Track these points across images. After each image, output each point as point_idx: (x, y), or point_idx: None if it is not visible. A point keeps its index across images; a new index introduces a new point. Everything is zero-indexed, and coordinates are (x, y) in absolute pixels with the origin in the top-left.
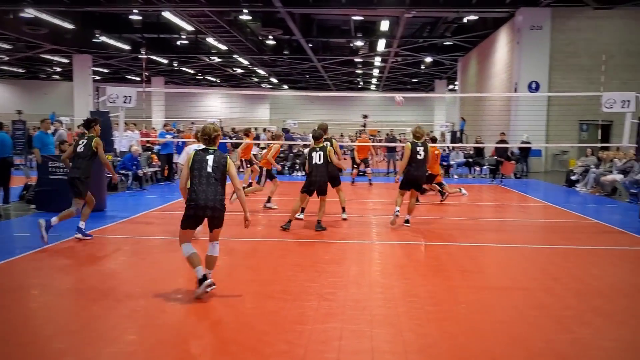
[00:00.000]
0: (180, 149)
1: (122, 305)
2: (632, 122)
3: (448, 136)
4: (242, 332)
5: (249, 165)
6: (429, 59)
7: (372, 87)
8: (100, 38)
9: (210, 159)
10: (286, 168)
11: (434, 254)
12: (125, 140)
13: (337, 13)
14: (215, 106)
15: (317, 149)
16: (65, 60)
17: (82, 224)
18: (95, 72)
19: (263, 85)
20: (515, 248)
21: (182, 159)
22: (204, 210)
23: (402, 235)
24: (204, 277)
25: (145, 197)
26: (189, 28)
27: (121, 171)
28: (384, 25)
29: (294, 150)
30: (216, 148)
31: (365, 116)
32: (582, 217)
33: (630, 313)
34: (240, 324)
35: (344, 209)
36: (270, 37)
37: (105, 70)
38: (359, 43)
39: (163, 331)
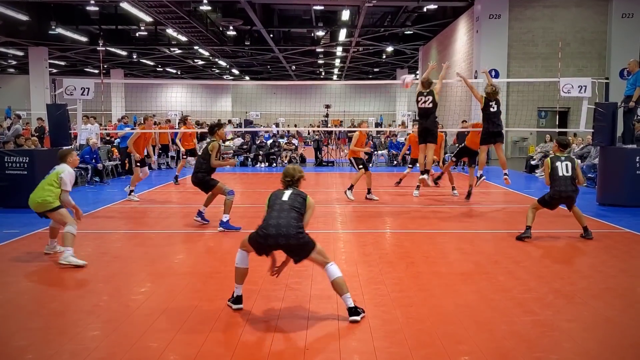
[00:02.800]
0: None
1: (84, 301)
2: (589, 108)
3: (410, 125)
4: (207, 324)
5: (184, 157)
6: (390, 49)
7: (334, 77)
8: (56, 30)
9: (288, 192)
10: (249, 160)
11: (398, 241)
12: (84, 133)
13: (298, 2)
14: (177, 98)
15: None
16: (20, 53)
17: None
18: (52, 65)
19: (224, 77)
20: (478, 234)
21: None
22: (275, 238)
23: (367, 224)
24: (238, 299)
25: (105, 191)
26: (148, 19)
27: (80, 165)
28: (345, 15)
29: (257, 142)
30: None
31: (327, 106)
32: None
33: (589, 294)
34: (206, 316)
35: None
36: (231, 27)
37: (62, 63)
38: (320, 33)
39: (126, 326)
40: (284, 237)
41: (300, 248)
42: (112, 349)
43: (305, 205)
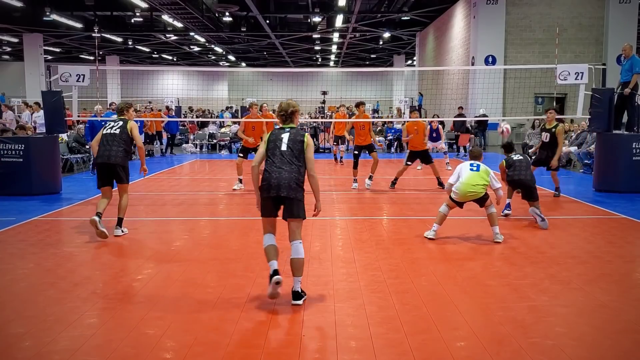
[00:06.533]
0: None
1: (81, 288)
2: (586, 94)
3: (407, 112)
4: (204, 311)
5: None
6: (387, 35)
7: (331, 63)
8: (51, 16)
9: (285, 136)
10: None
11: (395, 227)
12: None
13: None
14: (173, 84)
15: None
16: (14, 40)
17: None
18: (47, 52)
19: (221, 63)
20: (474, 220)
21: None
22: (277, 189)
23: (363, 211)
24: (275, 272)
25: None
26: (143, 5)
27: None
28: (342, 1)
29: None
30: (294, 125)
31: (324, 92)
32: (539, 187)
33: (585, 279)
34: (203, 303)
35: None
36: (227, 13)
37: (58, 50)
38: (317, 19)
39: (123, 313)
40: (285, 188)
41: (294, 206)
42: (109, 336)
43: (306, 150)
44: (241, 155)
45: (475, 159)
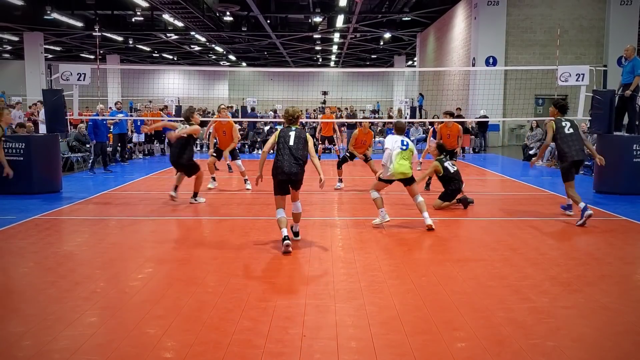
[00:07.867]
0: (137, 128)
1: (81, 287)
2: (586, 95)
3: (408, 112)
4: (205, 310)
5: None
6: (387, 35)
7: (332, 63)
8: (51, 15)
9: (292, 134)
10: (246, 146)
11: (395, 228)
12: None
13: None
14: (173, 84)
15: None
16: (15, 38)
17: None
18: (47, 51)
19: (221, 63)
20: (475, 221)
21: None
22: (288, 174)
23: (363, 211)
24: (285, 238)
25: (101, 177)
26: (144, 4)
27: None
28: (343, 1)
29: (255, 128)
30: (297, 126)
31: (325, 93)
32: (539, 189)
33: (585, 281)
34: (203, 302)
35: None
36: (228, 13)
37: (58, 49)
38: (318, 19)
39: (124, 312)
40: (293, 174)
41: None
42: (110, 335)
43: (308, 143)
44: (214, 155)
45: (400, 131)
